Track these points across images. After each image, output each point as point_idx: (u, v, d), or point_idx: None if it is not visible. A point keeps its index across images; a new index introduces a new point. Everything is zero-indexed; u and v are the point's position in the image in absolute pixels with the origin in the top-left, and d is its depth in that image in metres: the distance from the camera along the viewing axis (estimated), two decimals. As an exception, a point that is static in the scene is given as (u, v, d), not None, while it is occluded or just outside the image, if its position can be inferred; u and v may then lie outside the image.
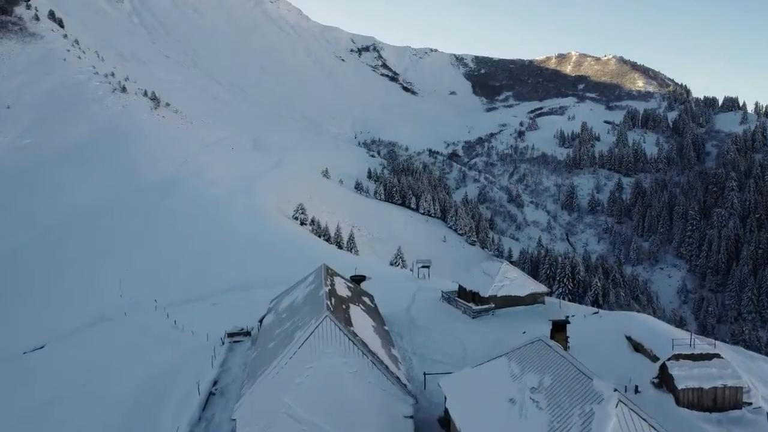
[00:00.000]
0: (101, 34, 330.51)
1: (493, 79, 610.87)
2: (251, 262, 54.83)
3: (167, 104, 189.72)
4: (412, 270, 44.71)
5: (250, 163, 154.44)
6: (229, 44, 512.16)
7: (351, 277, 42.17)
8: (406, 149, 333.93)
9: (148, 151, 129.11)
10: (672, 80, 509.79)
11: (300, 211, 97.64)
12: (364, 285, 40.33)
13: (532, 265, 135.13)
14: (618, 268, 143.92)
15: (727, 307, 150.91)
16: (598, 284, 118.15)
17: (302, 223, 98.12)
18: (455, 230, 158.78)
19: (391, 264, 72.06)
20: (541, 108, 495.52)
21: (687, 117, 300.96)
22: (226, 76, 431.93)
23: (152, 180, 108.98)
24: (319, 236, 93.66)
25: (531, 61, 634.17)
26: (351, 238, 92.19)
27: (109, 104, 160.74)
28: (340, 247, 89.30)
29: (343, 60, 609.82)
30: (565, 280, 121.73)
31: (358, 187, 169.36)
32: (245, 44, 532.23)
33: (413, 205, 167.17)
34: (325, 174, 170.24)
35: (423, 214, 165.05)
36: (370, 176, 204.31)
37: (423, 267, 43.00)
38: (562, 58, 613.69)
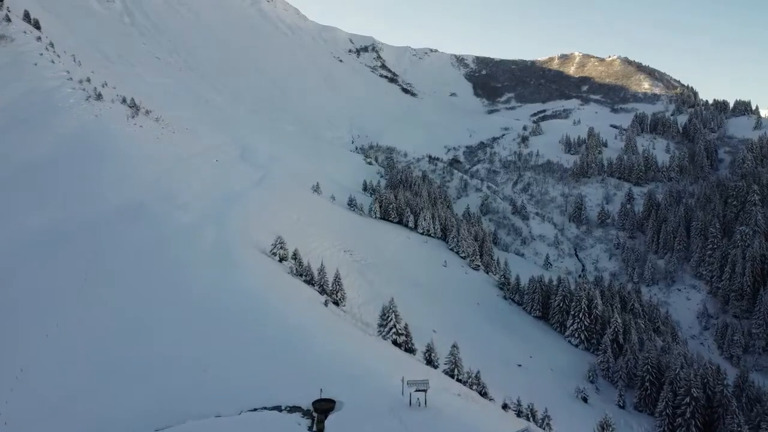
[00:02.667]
0: (89, 35, 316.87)
1: (494, 80, 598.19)
2: (187, 360, 40.46)
3: (147, 111, 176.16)
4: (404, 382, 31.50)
5: (233, 178, 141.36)
6: (223, 45, 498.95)
7: (314, 405, 29.47)
8: (405, 155, 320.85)
9: (115, 167, 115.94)
10: (678, 82, 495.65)
11: (279, 246, 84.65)
12: (330, 422, 27.56)
13: (543, 295, 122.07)
14: (637, 296, 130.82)
15: (754, 336, 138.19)
16: (618, 320, 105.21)
17: (281, 260, 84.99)
18: (457, 252, 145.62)
19: (381, 326, 58.46)
20: (544, 110, 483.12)
21: (698, 121, 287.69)
22: (220, 78, 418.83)
23: (114, 205, 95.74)
24: (300, 275, 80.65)
25: (533, 62, 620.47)
26: (337, 280, 78.77)
27: (80, 113, 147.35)
28: (323, 290, 76.11)
29: (341, 61, 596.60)
30: (580, 315, 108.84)
31: (352, 204, 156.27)
32: (241, 45, 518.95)
33: (411, 224, 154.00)
34: (316, 189, 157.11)
35: (422, 233, 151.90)
36: (365, 189, 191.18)
37: (418, 391, 30.07)
38: (565, 58, 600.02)
